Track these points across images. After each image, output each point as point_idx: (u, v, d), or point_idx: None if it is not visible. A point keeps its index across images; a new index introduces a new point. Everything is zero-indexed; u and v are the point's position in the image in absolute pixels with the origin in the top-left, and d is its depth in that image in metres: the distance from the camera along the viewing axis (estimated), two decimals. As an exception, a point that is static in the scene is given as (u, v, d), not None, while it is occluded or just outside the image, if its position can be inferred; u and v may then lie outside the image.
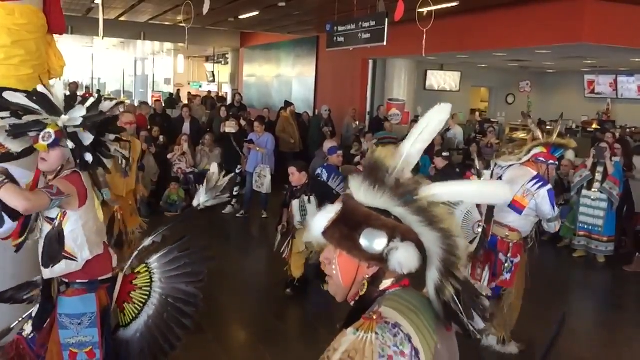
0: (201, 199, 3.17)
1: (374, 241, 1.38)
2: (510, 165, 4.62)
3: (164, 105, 13.38)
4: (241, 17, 13.18)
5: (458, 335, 1.53)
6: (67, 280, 2.77)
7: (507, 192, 1.50)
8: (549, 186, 4.40)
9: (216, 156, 9.56)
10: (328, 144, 7.85)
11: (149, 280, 2.97)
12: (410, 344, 1.30)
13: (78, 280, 2.78)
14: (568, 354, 4.92)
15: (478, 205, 4.38)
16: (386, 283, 1.43)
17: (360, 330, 1.30)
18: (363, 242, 1.38)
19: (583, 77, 14.80)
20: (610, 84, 14.29)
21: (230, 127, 9.10)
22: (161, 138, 10.06)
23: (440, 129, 1.54)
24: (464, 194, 1.52)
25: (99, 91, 25.09)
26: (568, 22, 8.82)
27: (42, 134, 2.56)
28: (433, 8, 7.69)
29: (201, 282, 3.04)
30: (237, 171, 9.03)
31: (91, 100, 2.68)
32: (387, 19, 8.09)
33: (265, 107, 14.78)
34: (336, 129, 12.56)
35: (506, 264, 4.53)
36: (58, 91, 2.66)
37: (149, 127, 10.26)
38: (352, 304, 1.47)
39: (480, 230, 4.35)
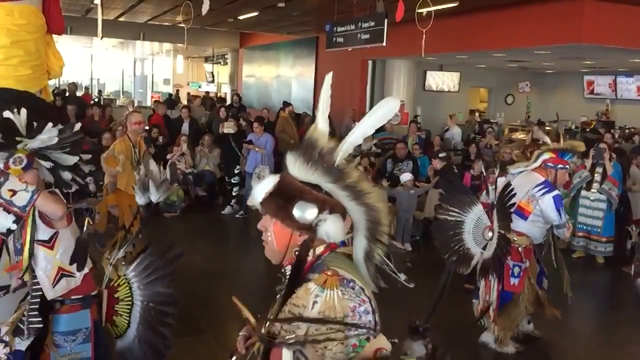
0: (153, 197, 3.31)
1: (305, 212, 1.54)
2: (521, 172, 4.63)
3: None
4: (240, 17, 13.18)
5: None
6: (61, 298, 2.78)
7: (396, 103, 1.64)
8: (555, 192, 4.37)
9: (215, 157, 9.55)
10: (327, 144, 7.86)
11: (129, 291, 3.04)
12: (364, 292, 1.53)
13: (73, 297, 2.80)
14: (567, 354, 4.93)
15: (487, 212, 4.37)
16: (320, 249, 1.61)
17: (327, 288, 1.46)
18: (296, 213, 1.55)
19: (582, 78, 14.80)
20: (610, 85, 14.30)
21: (228, 128, 9.10)
22: (160, 138, 10.06)
23: (386, 122, 1.67)
24: (366, 127, 1.64)
25: (100, 92, 25.09)
26: (567, 22, 8.82)
27: (11, 159, 2.61)
28: (432, 8, 7.69)
29: (174, 280, 3.12)
30: (237, 172, 9.04)
31: (59, 126, 2.72)
32: (386, 20, 8.09)
33: (265, 108, 14.75)
34: (335, 129, 12.56)
35: (514, 269, 4.51)
36: (22, 116, 2.70)
37: (146, 127, 10.25)
38: (287, 268, 1.64)
39: (490, 235, 4.29)
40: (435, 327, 5.34)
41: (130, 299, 3.02)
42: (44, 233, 2.68)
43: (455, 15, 10.22)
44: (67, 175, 2.77)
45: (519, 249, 4.52)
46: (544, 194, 4.38)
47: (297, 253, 1.60)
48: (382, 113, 1.63)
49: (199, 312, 4.91)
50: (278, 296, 1.68)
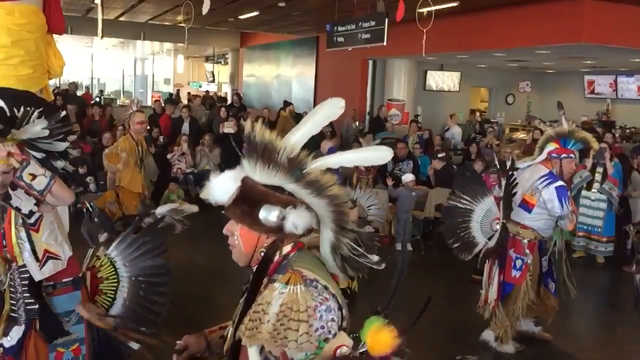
0: (159, 210, 3.49)
1: (271, 216, 1.57)
2: (529, 166, 4.63)
3: (163, 105, 13.37)
4: (241, 17, 13.18)
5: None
6: (52, 282, 2.83)
7: (389, 154, 1.65)
8: (558, 183, 4.35)
9: (215, 156, 9.55)
10: (326, 144, 7.85)
11: (113, 269, 3.12)
12: (327, 290, 1.53)
13: (63, 280, 2.86)
14: (567, 354, 4.93)
15: (498, 205, 4.45)
16: (287, 248, 1.62)
17: (290, 284, 1.48)
18: (262, 217, 1.57)
19: (583, 78, 14.79)
20: (610, 84, 14.29)
21: (228, 128, 9.10)
22: (161, 138, 10.06)
23: (329, 121, 1.68)
24: (350, 160, 1.69)
25: (101, 91, 25.08)
26: (568, 22, 8.82)
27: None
28: (433, 8, 7.69)
29: (165, 251, 3.22)
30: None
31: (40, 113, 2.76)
32: (386, 19, 8.09)
33: (265, 107, 14.77)
34: (336, 129, 12.56)
35: (516, 262, 4.54)
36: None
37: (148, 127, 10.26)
38: (254, 268, 1.65)
39: (498, 227, 4.39)
40: (436, 325, 5.36)
41: (115, 277, 3.11)
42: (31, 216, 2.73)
43: (455, 15, 10.22)
44: (59, 164, 2.83)
45: (523, 241, 4.54)
46: (547, 185, 4.37)
47: (262, 253, 1.62)
48: (327, 111, 1.65)
49: (199, 312, 4.91)
50: (244, 296, 1.68)
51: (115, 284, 3.11)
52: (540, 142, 4.67)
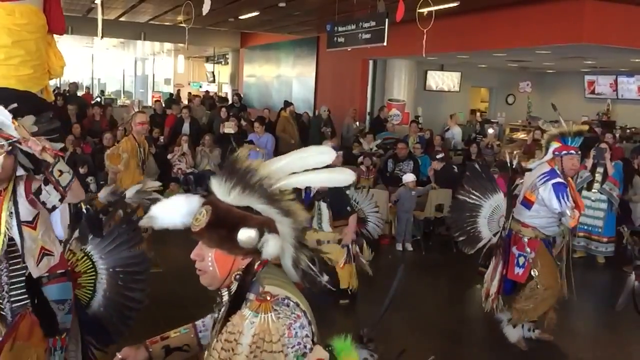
0: (127, 194, 3.60)
1: (251, 238, 1.56)
2: (538, 166, 4.69)
3: (164, 105, 13.38)
4: (241, 17, 13.18)
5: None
6: (47, 274, 2.88)
7: (350, 176, 1.68)
8: (556, 180, 4.37)
9: (216, 156, 9.56)
10: (327, 145, 7.86)
11: (90, 263, 3.22)
12: (299, 307, 1.54)
13: (58, 271, 2.92)
14: (568, 354, 4.93)
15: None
16: (254, 266, 1.64)
17: (261, 312, 1.49)
18: (241, 240, 1.56)
19: (583, 78, 14.79)
20: (611, 85, 14.28)
21: (229, 128, 9.11)
22: (161, 139, 10.06)
23: (314, 165, 1.68)
24: (313, 180, 1.72)
25: (102, 92, 25.08)
26: (568, 22, 8.82)
27: None
28: (433, 8, 7.69)
29: (141, 241, 3.34)
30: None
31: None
32: (387, 19, 8.09)
33: (266, 108, 14.77)
34: (336, 129, 12.56)
35: (518, 259, 4.59)
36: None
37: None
38: (224, 291, 1.66)
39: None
40: (435, 325, 5.36)
41: (93, 270, 3.21)
42: (28, 214, 2.77)
43: (456, 15, 10.22)
44: (49, 159, 2.86)
45: (524, 239, 4.59)
46: (544, 182, 4.41)
47: (237, 277, 1.61)
48: (317, 159, 1.64)
49: (199, 311, 4.89)
50: (217, 318, 1.69)
51: (94, 277, 3.20)
52: (544, 141, 4.71)
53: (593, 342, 5.28)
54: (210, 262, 1.62)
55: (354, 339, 1.67)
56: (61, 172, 2.65)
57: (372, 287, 6.06)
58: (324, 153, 1.66)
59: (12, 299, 2.81)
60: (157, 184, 3.93)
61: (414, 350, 4.86)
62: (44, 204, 2.70)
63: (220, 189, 1.60)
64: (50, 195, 2.68)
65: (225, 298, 1.66)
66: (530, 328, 4.86)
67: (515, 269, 4.63)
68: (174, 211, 1.70)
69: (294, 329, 1.50)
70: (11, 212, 2.73)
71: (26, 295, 2.82)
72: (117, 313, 3.24)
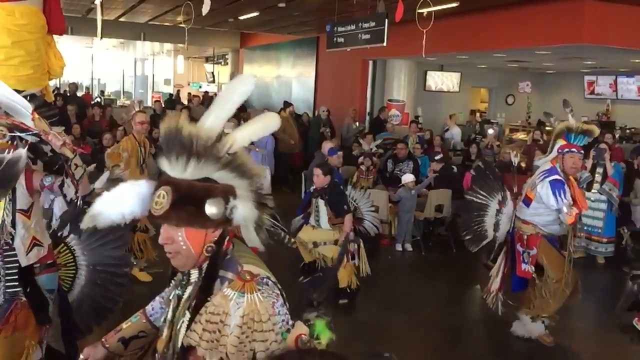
0: (97, 184, 3.57)
1: (219, 208, 1.53)
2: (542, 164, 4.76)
3: (163, 105, 13.37)
4: (241, 17, 13.18)
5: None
6: (38, 264, 2.93)
7: (276, 119, 1.73)
8: (554, 177, 4.39)
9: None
10: (327, 145, 7.86)
11: (71, 257, 3.25)
12: (277, 286, 1.57)
13: (47, 262, 2.97)
14: (568, 355, 4.93)
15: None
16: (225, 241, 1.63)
17: (247, 292, 1.48)
18: (210, 212, 1.53)
19: (583, 78, 14.79)
20: (610, 85, 14.29)
21: (228, 128, 9.09)
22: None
23: (241, 99, 1.70)
24: (253, 131, 1.70)
25: (102, 92, 25.08)
26: (568, 22, 8.82)
27: None
28: (433, 9, 7.69)
29: (125, 243, 3.37)
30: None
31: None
32: (387, 20, 8.09)
33: (265, 108, 14.76)
34: (336, 129, 12.56)
35: (523, 255, 4.65)
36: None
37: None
38: (193, 270, 1.62)
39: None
40: (434, 326, 5.37)
41: (73, 264, 3.23)
42: (24, 202, 2.82)
43: (455, 16, 10.22)
44: (47, 148, 2.95)
45: (524, 236, 4.64)
46: (542, 179, 4.45)
47: (209, 249, 1.59)
48: (238, 91, 1.68)
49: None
50: (183, 300, 1.65)
51: (74, 272, 3.23)
52: (552, 139, 4.74)
53: (593, 342, 5.28)
54: (182, 241, 1.57)
55: (306, 304, 1.70)
56: (76, 165, 2.73)
57: (372, 287, 6.06)
58: (244, 82, 1.69)
59: (7, 284, 2.84)
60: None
61: (413, 351, 4.87)
62: (64, 195, 2.78)
63: (173, 167, 1.55)
64: (69, 188, 2.77)
65: (194, 276, 1.63)
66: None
67: (522, 265, 4.68)
68: (122, 202, 1.63)
69: (277, 307, 1.51)
70: (10, 200, 2.78)
71: (18, 283, 2.86)
72: (91, 309, 3.27)
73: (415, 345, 4.90)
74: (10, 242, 2.81)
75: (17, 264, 2.84)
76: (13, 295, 2.84)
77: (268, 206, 1.67)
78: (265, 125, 1.72)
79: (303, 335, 1.55)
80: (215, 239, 1.60)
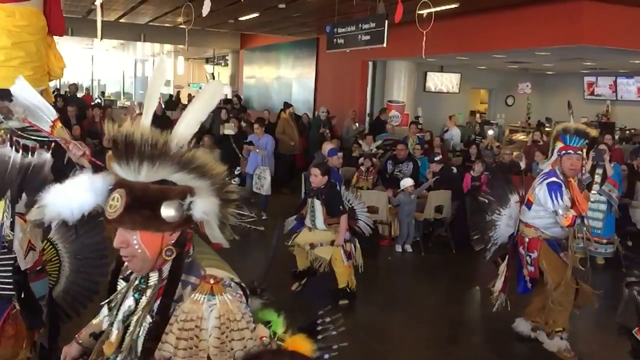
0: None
1: (175, 211, 1.49)
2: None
3: (163, 107, 13.38)
4: (241, 18, 13.20)
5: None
6: (29, 271, 2.91)
7: (220, 85, 1.70)
8: (551, 179, 4.40)
9: (215, 158, 9.55)
10: (327, 146, 7.85)
11: (54, 252, 3.30)
12: (239, 286, 1.56)
13: (37, 268, 2.96)
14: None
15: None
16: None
17: (217, 294, 1.48)
18: (166, 215, 1.49)
19: (582, 79, 14.80)
20: (610, 86, 14.30)
21: (229, 129, 9.11)
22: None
23: (213, 106, 1.66)
24: (197, 110, 1.62)
25: (102, 93, 25.08)
26: (568, 23, 8.83)
27: None
28: (433, 10, 7.70)
29: (103, 229, 3.34)
30: (237, 173, 9.04)
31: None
32: (387, 21, 8.09)
33: (265, 109, 14.78)
34: (336, 130, 12.56)
35: (527, 258, 4.67)
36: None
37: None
38: (152, 273, 1.59)
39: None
40: (434, 325, 5.35)
41: (57, 258, 3.30)
42: (21, 205, 2.78)
43: (455, 17, 10.23)
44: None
45: (525, 239, 4.65)
46: (540, 182, 4.47)
47: (169, 253, 1.55)
48: (209, 96, 1.64)
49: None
50: (143, 304, 1.60)
51: (58, 265, 3.29)
52: (550, 143, 4.77)
53: (593, 343, 5.28)
54: (137, 245, 1.53)
55: (249, 290, 1.69)
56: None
57: (372, 288, 6.06)
58: (215, 87, 1.68)
59: (2, 288, 2.82)
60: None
61: (413, 350, 4.87)
62: None
63: (126, 170, 1.51)
64: None
65: (154, 279, 1.60)
66: (533, 328, 4.87)
67: (528, 267, 4.70)
68: (73, 196, 1.58)
69: (243, 306, 1.53)
70: (10, 202, 2.76)
71: (12, 286, 2.83)
72: (77, 294, 3.35)
73: (415, 345, 4.90)
74: (7, 245, 2.80)
75: (12, 268, 2.81)
76: (7, 300, 2.82)
77: (232, 201, 1.62)
78: (207, 100, 1.65)
79: (264, 338, 1.58)
80: (173, 242, 1.56)
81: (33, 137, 2.85)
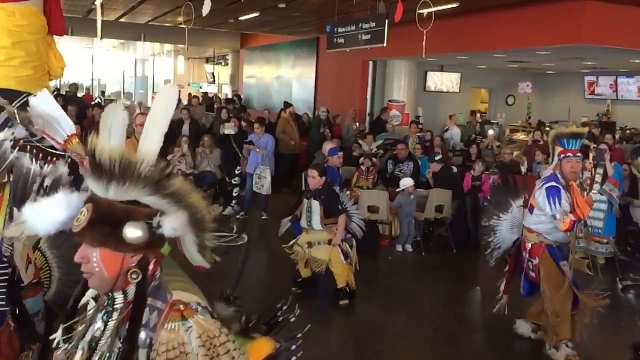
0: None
1: (139, 232, 1.45)
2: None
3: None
4: (241, 18, 13.20)
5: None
6: (25, 285, 2.89)
7: (173, 89, 1.64)
8: (550, 184, 4.40)
9: (216, 158, 9.55)
10: (328, 146, 7.85)
11: (44, 259, 3.27)
12: (206, 310, 1.54)
13: (34, 281, 2.91)
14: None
15: None
16: (150, 266, 1.53)
17: (189, 317, 1.46)
18: (129, 236, 1.45)
19: (583, 79, 14.79)
20: (611, 86, 14.30)
21: (229, 129, 9.10)
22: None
23: (171, 115, 1.61)
24: (156, 118, 1.60)
25: (103, 92, 25.09)
26: (568, 23, 8.83)
27: None
28: (433, 9, 7.70)
29: None
30: (237, 173, 9.04)
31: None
32: (387, 21, 8.09)
33: (266, 109, 14.78)
34: (338, 129, 12.55)
35: (529, 263, 4.68)
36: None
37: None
38: (118, 294, 1.55)
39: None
40: (435, 325, 5.35)
41: (47, 265, 3.27)
42: (19, 216, 2.76)
43: (456, 16, 10.22)
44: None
45: (528, 245, 4.65)
46: (541, 187, 4.48)
47: (134, 276, 1.51)
48: (165, 105, 1.60)
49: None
50: (112, 327, 1.56)
51: (49, 271, 3.28)
52: (550, 147, 4.81)
53: (593, 343, 5.27)
54: (96, 263, 1.50)
55: (222, 299, 1.73)
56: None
57: (372, 288, 6.06)
58: (167, 94, 1.63)
59: None
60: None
61: (413, 351, 4.87)
62: None
63: (95, 187, 1.49)
64: None
65: (119, 301, 1.56)
66: (533, 329, 4.87)
67: (530, 272, 4.71)
68: (49, 214, 1.57)
69: (218, 324, 1.53)
70: (8, 212, 2.75)
71: (5, 302, 2.78)
72: (67, 296, 3.33)
73: (415, 345, 4.90)
74: (6, 258, 2.78)
75: (6, 282, 2.75)
76: (2, 316, 2.76)
77: (210, 229, 1.60)
78: (164, 109, 1.61)
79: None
80: (134, 264, 1.51)
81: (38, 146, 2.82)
